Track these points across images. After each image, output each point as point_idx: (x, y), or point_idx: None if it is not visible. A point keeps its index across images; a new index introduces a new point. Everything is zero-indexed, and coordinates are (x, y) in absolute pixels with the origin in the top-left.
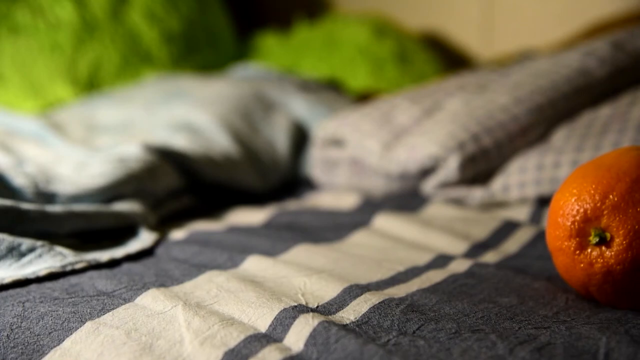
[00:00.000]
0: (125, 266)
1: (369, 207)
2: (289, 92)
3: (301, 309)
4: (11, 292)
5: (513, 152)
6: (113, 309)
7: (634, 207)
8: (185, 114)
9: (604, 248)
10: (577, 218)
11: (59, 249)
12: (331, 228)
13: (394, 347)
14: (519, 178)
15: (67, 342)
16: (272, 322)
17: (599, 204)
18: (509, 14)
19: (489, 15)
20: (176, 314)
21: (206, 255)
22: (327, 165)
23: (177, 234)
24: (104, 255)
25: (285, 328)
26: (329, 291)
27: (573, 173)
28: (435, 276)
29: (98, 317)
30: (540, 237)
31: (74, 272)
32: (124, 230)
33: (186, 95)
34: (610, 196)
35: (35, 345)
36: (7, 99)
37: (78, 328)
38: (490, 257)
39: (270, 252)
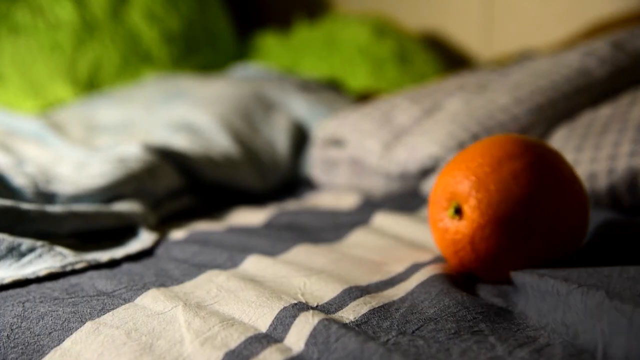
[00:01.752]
0: (125, 266)
1: (369, 207)
2: (289, 92)
3: (301, 307)
4: (11, 292)
5: None
6: (113, 309)
7: (469, 177)
8: (185, 114)
9: (463, 220)
10: (442, 204)
11: (59, 249)
12: (331, 228)
13: (393, 347)
14: None
15: (67, 342)
16: (273, 321)
17: (449, 187)
18: (509, 14)
19: (489, 15)
20: (176, 315)
21: (206, 255)
22: (327, 165)
23: (177, 234)
24: (104, 256)
25: (286, 327)
26: (328, 292)
27: None
28: (435, 270)
29: (98, 317)
30: None
31: (74, 272)
32: (124, 230)
33: (186, 95)
34: (455, 176)
35: (36, 346)
36: (7, 99)
37: (78, 328)
38: None
39: (270, 252)
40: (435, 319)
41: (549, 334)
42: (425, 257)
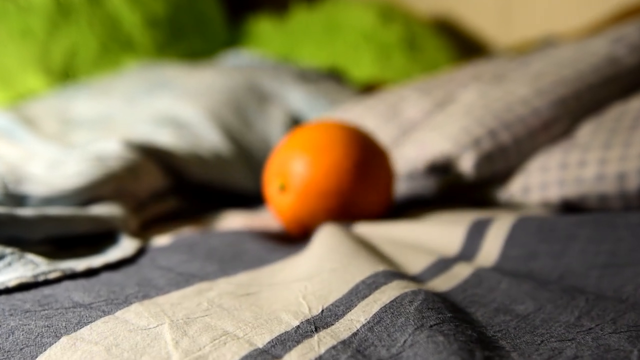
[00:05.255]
0: (104, 275)
1: None
2: (285, 83)
3: (305, 332)
4: None
5: (534, 150)
6: (91, 322)
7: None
8: (170, 106)
9: (286, 193)
10: (273, 180)
11: (31, 257)
12: None
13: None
14: (540, 178)
15: (40, 359)
16: (272, 340)
17: (277, 165)
18: None
19: None
20: (162, 332)
21: (194, 264)
22: None
23: (162, 240)
24: (80, 264)
25: (287, 349)
26: (333, 291)
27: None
28: (442, 284)
29: (75, 331)
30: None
31: (47, 282)
32: (102, 236)
33: (172, 86)
34: (282, 155)
35: None
36: None
37: (52, 343)
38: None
39: (266, 258)
40: (455, 322)
41: (576, 346)
42: (431, 259)
